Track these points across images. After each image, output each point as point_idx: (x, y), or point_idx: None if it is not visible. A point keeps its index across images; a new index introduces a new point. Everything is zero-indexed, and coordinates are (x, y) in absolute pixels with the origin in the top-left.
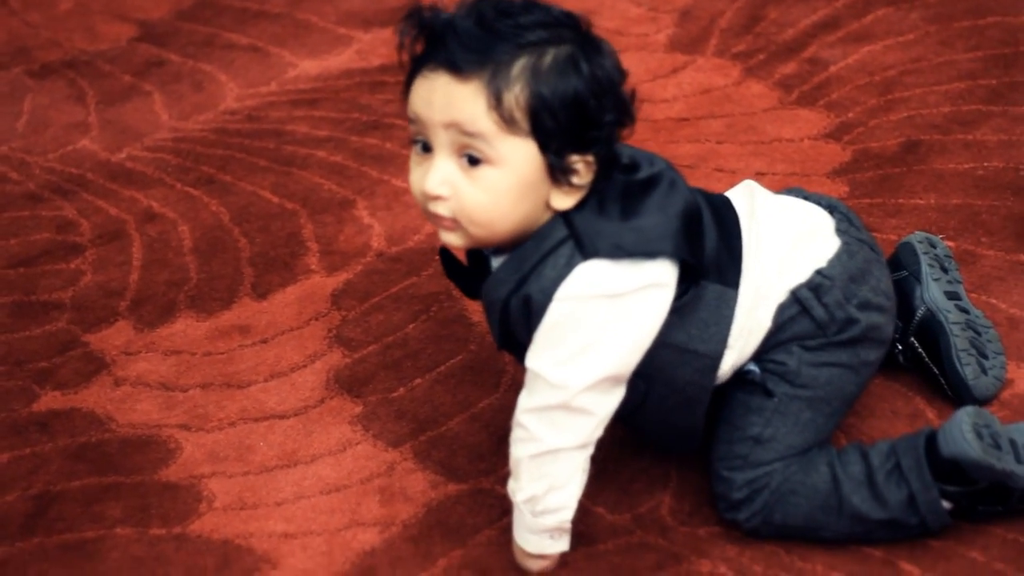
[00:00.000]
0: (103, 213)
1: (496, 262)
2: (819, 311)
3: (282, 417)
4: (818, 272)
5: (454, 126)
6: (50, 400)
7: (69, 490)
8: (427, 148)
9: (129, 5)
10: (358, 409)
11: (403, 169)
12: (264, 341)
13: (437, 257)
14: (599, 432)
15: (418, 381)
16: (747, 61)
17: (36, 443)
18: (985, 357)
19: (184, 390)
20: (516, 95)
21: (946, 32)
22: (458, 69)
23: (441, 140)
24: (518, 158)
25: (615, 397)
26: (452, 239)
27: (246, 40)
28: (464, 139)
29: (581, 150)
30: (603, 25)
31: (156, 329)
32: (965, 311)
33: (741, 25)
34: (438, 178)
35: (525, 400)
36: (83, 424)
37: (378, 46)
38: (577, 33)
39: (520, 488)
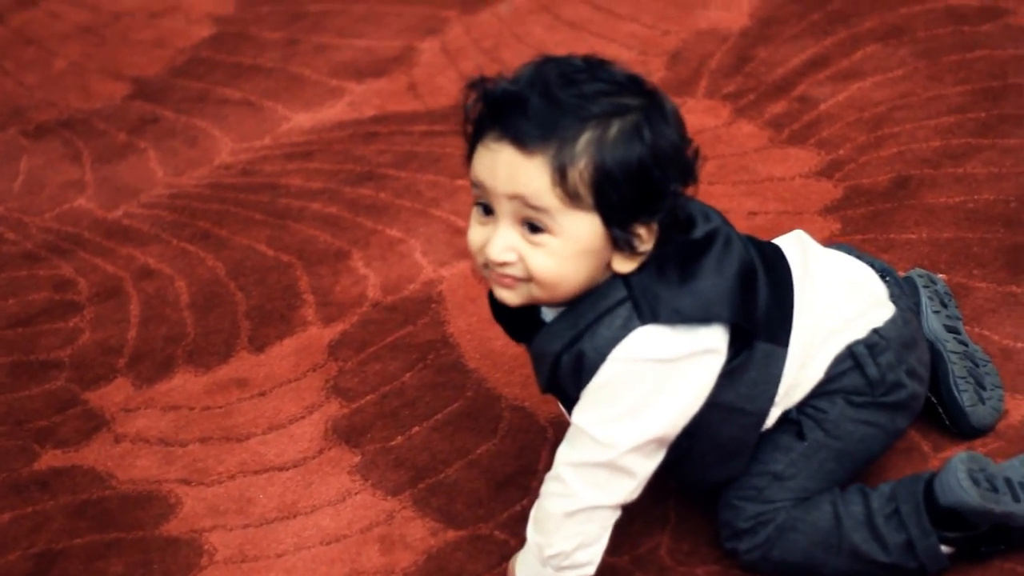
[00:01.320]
0: (100, 271)
1: (549, 313)
2: (872, 369)
3: (281, 469)
4: (875, 331)
5: (518, 198)
6: (50, 458)
7: (71, 548)
8: (488, 211)
9: (123, 63)
10: (356, 459)
11: (396, 219)
12: (262, 394)
13: (435, 305)
14: (638, 493)
15: (416, 429)
16: (737, 102)
17: (37, 502)
18: (983, 388)
19: (183, 445)
20: (580, 171)
21: (934, 67)
22: (523, 144)
23: (504, 209)
24: (581, 230)
25: (658, 459)
26: (509, 297)
27: (239, 95)
28: (527, 211)
29: (645, 218)
30: None
31: (154, 385)
32: (964, 344)
33: (730, 66)
34: (502, 244)
35: (567, 454)
36: (84, 481)
37: (371, 97)
38: (642, 98)
39: (548, 544)
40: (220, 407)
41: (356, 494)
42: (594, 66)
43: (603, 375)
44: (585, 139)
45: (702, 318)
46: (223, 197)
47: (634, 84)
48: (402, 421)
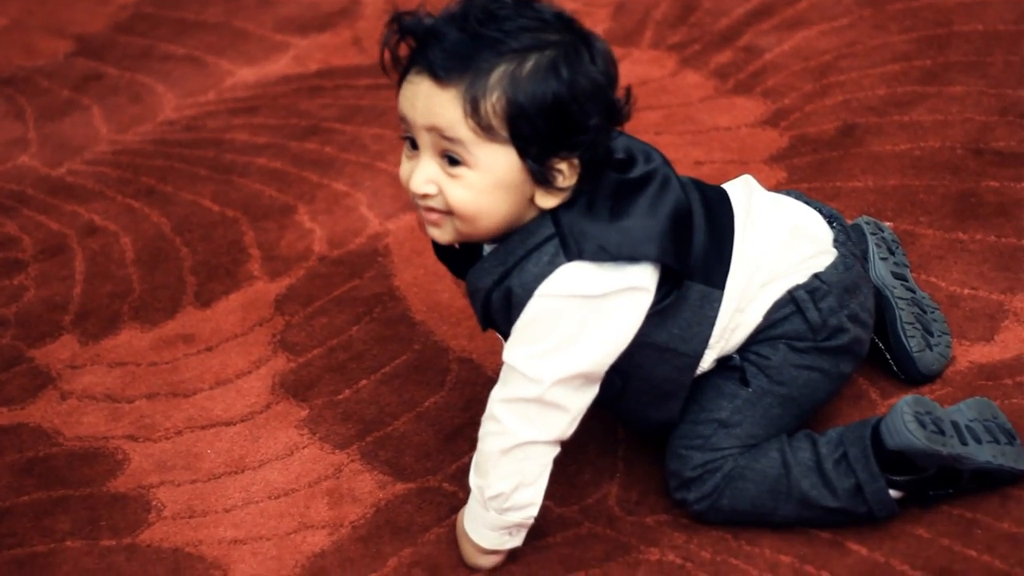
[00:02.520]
0: (44, 228)
1: (488, 249)
2: (813, 314)
3: (228, 424)
4: (817, 276)
5: (435, 130)
6: None
7: (18, 505)
8: (415, 145)
9: (66, 20)
10: (304, 413)
11: (342, 173)
12: (209, 349)
13: (381, 259)
14: (572, 429)
15: (363, 383)
16: (682, 52)
17: None
18: (931, 334)
19: (130, 401)
20: (493, 103)
21: (880, 15)
22: (438, 76)
23: (424, 141)
24: (496, 162)
25: (589, 394)
26: (438, 234)
27: (183, 51)
28: (444, 143)
29: (565, 153)
30: None
31: (100, 341)
32: (911, 291)
33: (675, 16)
34: (422, 177)
35: (499, 391)
36: (30, 439)
37: (315, 51)
38: (567, 35)
39: (488, 485)
40: (167, 363)
41: (304, 448)
42: (520, 3)
43: (530, 311)
44: (499, 72)
45: (629, 256)
46: (167, 153)
47: (560, 22)
48: (349, 375)
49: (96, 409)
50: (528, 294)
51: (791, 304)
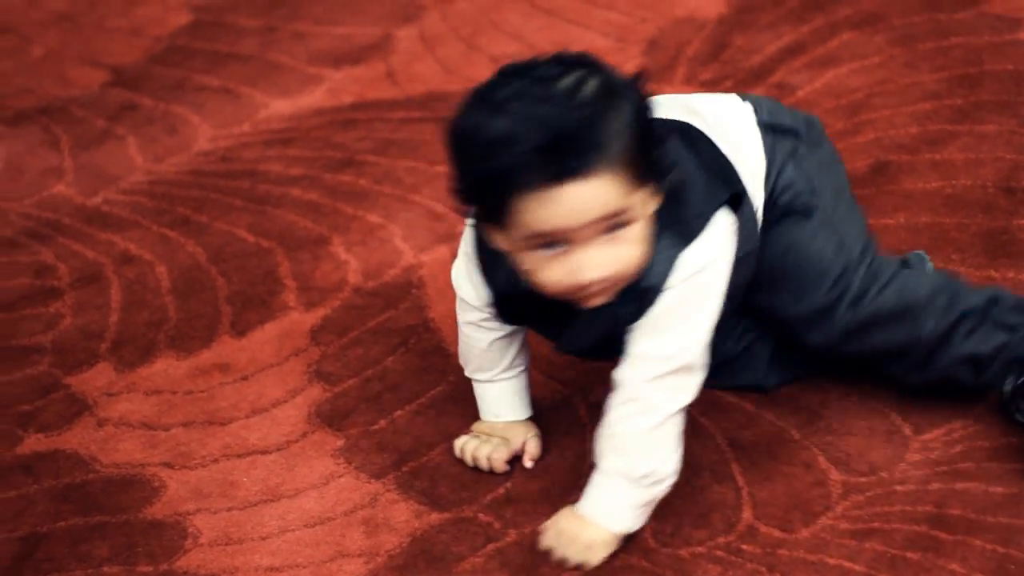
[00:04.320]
0: (80, 257)
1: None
2: (787, 118)
3: (264, 452)
4: (760, 105)
5: (603, 219)
6: (34, 443)
7: (56, 531)
8: (551, 244)
9: (101, 51)
10: (340, 442)
11: (376, 205)
12: (244, 378)
13: (415, 291)
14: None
15: (399, 413)
16: (715, 88)
17: (21, 486)
18: None
19: (166, 429)
20: (629, 155)
21: (911, 54)
22: (581, 172)
23: (584, 235)
24: (648, 201)
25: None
26: (598, 301)
27: (218, 82)
28: (610, 221)
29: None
30: None
31: (137, 369)
32: None
33: (708, 53)
34: (596, 266)
35: (639, 374)
36: (67, 465)
37: (349, 84)
38: (584, 67)
39: (635, 464)
40: (202, 391)
41: (340, 477)
42: (538, 66)
43: (661, 305)
44: (609, 129)
45: (712, 210)
46: (202, 183)
47: (571, 59)
48: (385, 405)
49: (132, 436)
50: (658, 292)
51: (768, 131)
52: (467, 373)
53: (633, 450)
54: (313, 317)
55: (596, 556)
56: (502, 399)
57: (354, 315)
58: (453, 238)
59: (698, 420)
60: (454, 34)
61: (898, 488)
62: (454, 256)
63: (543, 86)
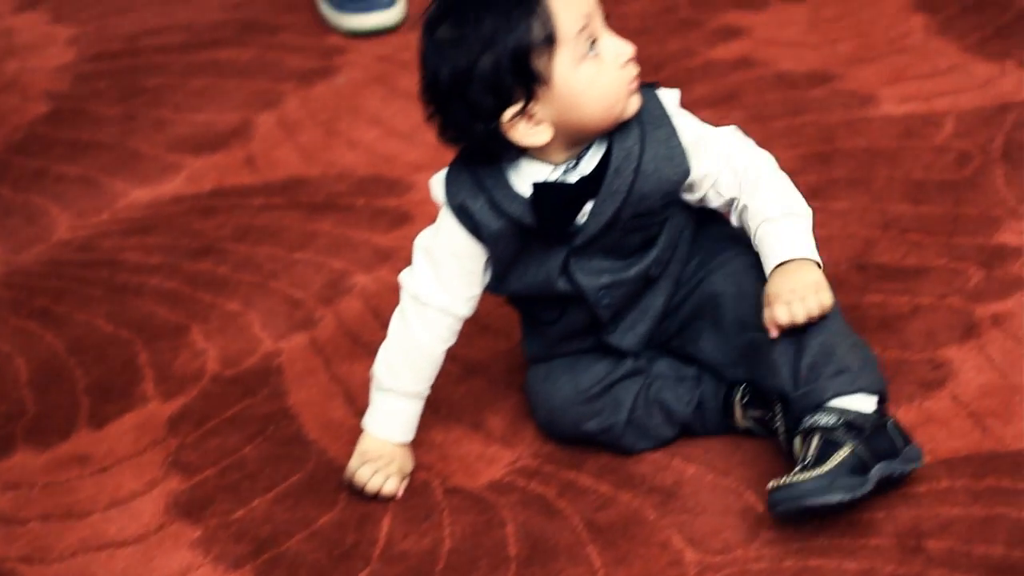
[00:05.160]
0: None
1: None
2: None
3: (122, 545)
4: None
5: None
6: None
7: None
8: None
9: None
10: (198, 533)
11: (236, 293)
12: (103, 470)
13: (274, 378)
14: None
15: (257, 502)
16: None
17: None
18: None
19: (24, 523)
20: None
21: (765, 132)
22: None
23: (598, 26)
24: None
25: None
26: (637, 101)
27: (77, 171)
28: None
29: None
30: None
31: None
32: None
33: None
34: (624, 43)
35: (731, 154)
36: None
37: (208, 171)
38: None
39: (792, 200)
40: (61, 484)
41: (198, 568)
42: None
43: (684, 133)
44: None
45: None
46: (62, 274)
47: None
48: (243, 494)
49: None
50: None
51: None
52: (389, 386)
53: (782, 188)
54: (171, 407)
55: (828, 293)
56: (409, 420)
57: (212, 404)
58: (312, 324)
59: (554, 503)
60: (313, 120)
61: (753, 566)
62: (313, 343)
63: None
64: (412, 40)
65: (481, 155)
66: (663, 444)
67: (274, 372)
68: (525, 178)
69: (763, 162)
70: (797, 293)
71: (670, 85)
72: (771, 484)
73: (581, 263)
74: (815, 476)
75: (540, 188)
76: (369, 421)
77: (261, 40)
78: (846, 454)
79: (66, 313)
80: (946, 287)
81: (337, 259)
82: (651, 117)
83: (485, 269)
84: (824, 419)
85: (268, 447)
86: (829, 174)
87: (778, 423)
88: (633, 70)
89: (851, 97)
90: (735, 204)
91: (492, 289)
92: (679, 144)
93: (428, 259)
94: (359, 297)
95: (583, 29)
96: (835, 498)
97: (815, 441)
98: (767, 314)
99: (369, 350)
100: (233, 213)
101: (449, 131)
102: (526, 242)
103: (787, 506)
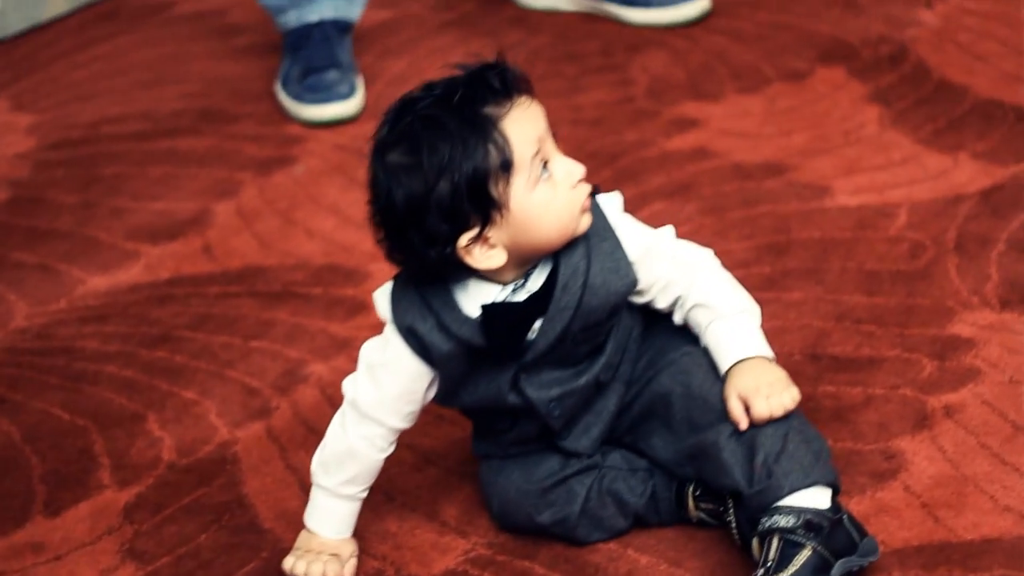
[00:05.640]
0: None
1: (534, 332)
2: None
3: None
4: None
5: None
6: None
7: None
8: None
9: None
10: None
11: (192, 381)
12: (57, 558)
13: (230, 466)
14: None
15: None
16: None
17: None
18: None
19: None
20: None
21: (720, 223)
22: (520, 90)
23: (549, 148)
24: None
25: None
26: (588, 219)
27: (35, 259)
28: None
29: None
30: None
31: None
32: None
33: None
34: (575, 163)
35: (670, 259)
36: None
37: (166, 259)
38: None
39: (738, 297)
40: (15, 572)
41: None
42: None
43: (633, 241)
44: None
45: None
46: (18, 362)
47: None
48: None
49: None
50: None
51: None
52: (323, 484)
53: (729, 285)
54: (127, 495)
55: (795, 388)
56: (347, 517)
57: (168, 492)
58: (267, 413)
59: None
60: (271, 208)
61: None
62: (268, 432)
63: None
64: (370, 130)
65: (429, 276)
66: (617, 535)
67: (230, 461)
68: (473, 298)
69: (708, 260)
70: (774, 387)
71: (626, 176)
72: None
73: (531, 378)
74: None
75: (490, 309)
76: (307, 515)
77: (220, 129)
78: (808, 555)
79: (22, 401)
80: (899, 378)
81: (293, 348)
82: (595, 230)
83: (429, 387)
84: (783, 521)
85: (223, 536)
86: (784, 265)
87: (730, 516)
88: (585, 189)
89: (805, 188)
90: (680, 302)
91: (441, 403)
92: (624, 256)
93: (371, 375)
94: (315, 386)
95: (537, 153)
96: None
97: (775, 543)
98: (736, 409)
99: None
100: (190, 302)
101: (400, 255)
102: (476, 361)
103: None
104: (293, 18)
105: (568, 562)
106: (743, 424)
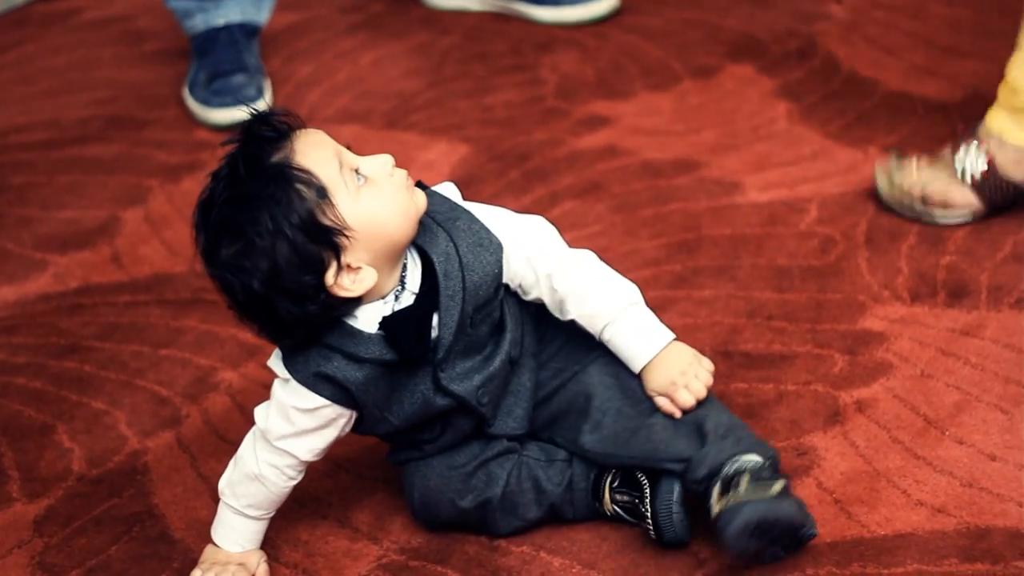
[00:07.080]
0: None
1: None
2: None
3: None
4: None
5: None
6: None
7: None
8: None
9: None
10: None
11: (101, 391)
12: None
13: (140, 477)
14: None
15: None
16: None
17: None
18: None
19: None
20: None
21: (631, 221)
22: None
23: (349, 156)
24: None
25: None
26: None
27: None
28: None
29: None
30: None
31: None
32: None
33: None
34: (380, 155)
35: (545, 257)
36: None
37: (75, 268)
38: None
39: (624, 291)
40: None
41: None
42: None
43: (487, 215)
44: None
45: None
46: None
47: None
48: None
49: None
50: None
51: None
52: (235, 504)
53: (606, 278)
54: (37, 507)
55: (706, 359)
56: (254, 534)
57: (78, 504)
58: (178, 422)
59: None
60: (180, 215)
61: None
62: (179, 441)
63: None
64: None
65: (320, 328)
66: (529, 527)
67: (140, 471)
68: (368, 319)
69: (581, 257)
70: (687, 374)
71: (536, 176)
72: (716, 508)
73: (449, 373)
74: (768, 497)
75: (388, 321)
76: (213, 529)
77: (128, 136)
78: (784, 484)
79: None
80: (810, 374)
81: (203, 355)
82: (445, 213)
83: (345, 426)
84: (751, 463)
85: (134, 547)
86: (695, 262)
87: (646, 507)
88: (402, 172)
89: (716, 185)
90: (558, 300)
91: (364, 433)
92: (482, 226)
93: (284, 416)
94: (225, 393)
95: (341, 166)
96: (796, 514)
97: (744, 481)
98: (665, 406)
99: (235, 446)
100: (99, 311)
101: (285, 332)
102: (393, 376)
103: (750, 515)
104: (200, 22)
105: (481, 566)
106: (677, 416)
